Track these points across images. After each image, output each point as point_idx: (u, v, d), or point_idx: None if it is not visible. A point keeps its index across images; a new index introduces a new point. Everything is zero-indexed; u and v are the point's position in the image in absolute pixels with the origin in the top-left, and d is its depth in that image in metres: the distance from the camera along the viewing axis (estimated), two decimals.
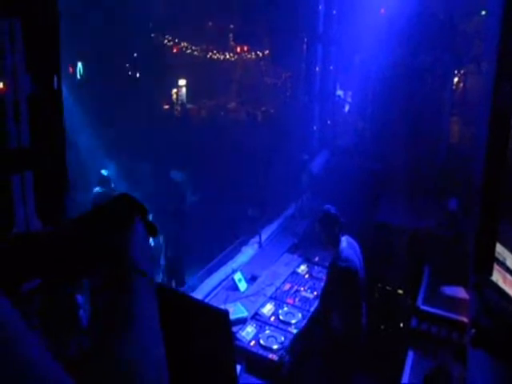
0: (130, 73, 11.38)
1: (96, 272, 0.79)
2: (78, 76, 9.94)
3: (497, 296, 3.90)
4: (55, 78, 2.53)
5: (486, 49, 5.14)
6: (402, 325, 5.16)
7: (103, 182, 6.58)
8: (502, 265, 3.92)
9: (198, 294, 4.37)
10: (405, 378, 3.81)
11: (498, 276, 3.98)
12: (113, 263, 0.76)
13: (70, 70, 9.77)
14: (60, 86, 2.57)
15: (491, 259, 4.09)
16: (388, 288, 5.45)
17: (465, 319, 4.16)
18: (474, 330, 3.75)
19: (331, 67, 8.86)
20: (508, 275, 3.73)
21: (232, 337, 3.54)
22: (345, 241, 4.14)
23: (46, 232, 0.81)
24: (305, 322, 4.22)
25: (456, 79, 8.85)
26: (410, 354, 4.09)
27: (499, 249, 3.95)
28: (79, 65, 10.03)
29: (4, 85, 2.36)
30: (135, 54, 11.89)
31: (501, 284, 3.94)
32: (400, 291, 5.39)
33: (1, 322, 0.54)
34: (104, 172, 6.68)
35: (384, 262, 5.45)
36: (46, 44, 2.42)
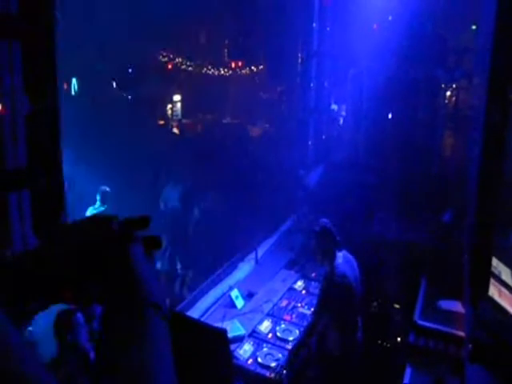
0: (124, 89, 11.44)
1: (103, 299, 0.79)
2: (73, 92, 9.99)
3: (493, 310, 3.92)
4: (52, 98, 2.56)
5: (476, 63, 5.20)
6: (399, 339, 5.16)
7: (104, 198, 6.51)
8: (497, 278, 3.95)
9: (195, 313, 4.36)
10: None
11: (493, 290, 4.00)
12: (124, 295, 0.76)
13: (65, 86, 9.81)
14: (57, 105, 2.60)
15: (487, 273, 4.12)
16: (384, 302, 5.45)
17: (462, 333, 4.17)
18: (470, 345, 3.76)
19: (325, 82, 8.94)
20: (503, 289, 3.75)
21: (231, 355, 3.50)
22: (341, 257, 4.16)
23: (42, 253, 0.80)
24: (300, 337, 4.22)
25: (448, 93, 8.93)
26: (408, 369, 4.09)
27: (493, 262, 3.98)
28: (73, 81, 10.07)
29: (2, 106, 2.38)
30: (130, 70, 11.96)
31: (496, 298, 3.95)
32: (396, 305, 5.40)
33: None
34: (105, 188, 6.59)
35: (380, 277, 5.46)
36: (44, 65, 2.46)
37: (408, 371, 4.06)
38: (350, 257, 4.27)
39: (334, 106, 9.71)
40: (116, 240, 0.82)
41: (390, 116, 8.27)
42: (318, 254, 4.27)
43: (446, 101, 8.85)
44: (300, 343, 4.11)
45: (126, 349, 0.70)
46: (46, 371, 0.59)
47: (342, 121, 9.80)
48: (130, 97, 11.42)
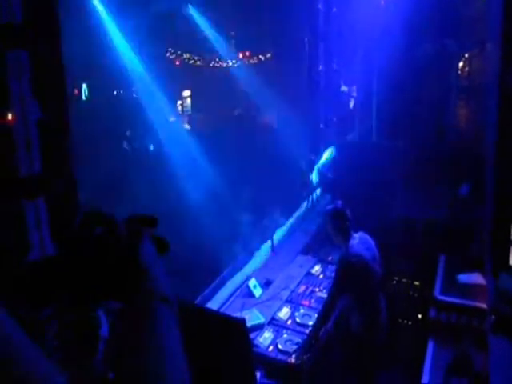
0: (133, 89, 11.54)
1: (116, 297, 0.80)
2: (84, 97, 10.11)
3: None
4: (61, 104, 2.59)
5: (489, 32, 5.09)
6: (420, 316, 5.11)
7: None
8: None
9: (214, 304, 4.38)
10: (426, 369, 3.79)
11: None
12: (133, 290, 0.77)
13: (76, 91, 9.94)
14: (67, 111, 2.63)
15: (508, 244, 4.05)
16: (404, 280, 5.41)
17: (483, 305, 4.12)
18: (493, 316, 3.71)
19: (334, 64, 8.83)
20: None
21: (250, 344, 3.51)
22: (357, 238, 4.12)
23: (60, 259, 0.82)
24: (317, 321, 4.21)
25: (461, 64, 8.74)
26: (431, 345, 4.06)
27: None
28: (84, 86, 10.19)
29: (13, 115, 2.42)
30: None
31: None
32: (416, 283, 5.34)
33: (3, 335, 0.56)
34: None
35: (399, 255, 5.41)
36: (52, 72, 2.48)
37: (430, 347, 4.03)
38: (368, 238, 4.23)
39: (344, 88, 9.59)
40: (124, 237, 0.84)
41: (401, 92, 8.12)
42: (332, 235, 4.23)
43: (459, 71, 8.67)
44: (318, 327, 4.10)
45: (136, 347, 0.71)
46: (57, 372, 0.59)
47: (353, 102, 9.69)
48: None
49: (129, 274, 0.81)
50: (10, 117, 2.49)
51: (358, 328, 4.10)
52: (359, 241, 4.12)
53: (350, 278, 4.00)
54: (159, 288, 0.81)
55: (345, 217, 4.11)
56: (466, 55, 8.98)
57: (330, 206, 4.26)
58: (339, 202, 4.22)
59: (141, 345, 0.72)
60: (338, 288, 4.07)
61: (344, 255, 4.03)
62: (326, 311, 4.07)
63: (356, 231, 4.17)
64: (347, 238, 4.09)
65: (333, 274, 4.80)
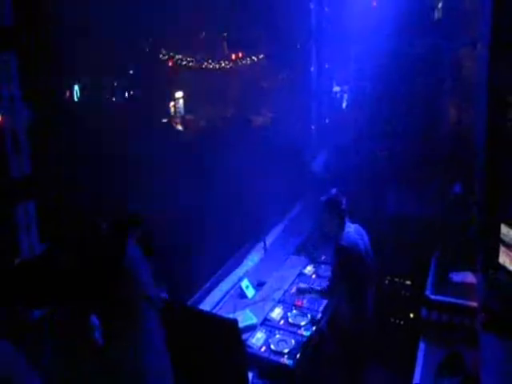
0: (127, 90, 11.53)
1: (100, 297, 0.82)
2: (76, 99, 10.08)
3: (505, 277, 3.89)
4: (52, 106, 2.59)
5: (480, 30, 5.12)
6: (412, 316, 5.14)
7: None
8: (509, 246, 3.91)
9: (206, 305, 4.39)
10: (418, 369, 3.81)
11: (504, 258, 3.97)
12: (120, 291, 0.80)
13: (67, 93, 9.90)
14: (57, 113, 2.63)
15: (497, 242, 4.07)
16: (396, 280, 5.43)
17: (474, 304, 4.14)
18: (483, 314, 3.74)
19: (326, 64, 8.86)
20: None
21: (243, 345, 3.51)
22: (352, 227, 4.17)
23: (45, 261, 0.84)
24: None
25: (453, 63, 8.76)
26: (422, 344, 4.08)
27: (504, 230, 3.94)
28: (76, 88, 10.16)
29: (2, 117, 2.42)
30: (131, 72, 12.02)
31: (508, 265, 3.92)
32: (408, 282, 5.37)
33: (4, 362, 0.57)
34: None
35: (390, 254, 5.43)
36: (42, 75, 2.49)
37: (422, 346, 4.05)
38: (362, 230, 4.27)
39: (337, 88, 9.62)
40: (108, 240, 0.86)
41: (393, 92, 8.14)
42: (327, 224, 4.25)
43: (451, 70, 8.69)
44: (312, 325, 4.14)
45: (118, 343, 0.73)
46: None
47: (345, 102, 9.71)
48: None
49: (112, 274, 0.84)
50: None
51: (346, 321, 4.14)
52: (354, 230, 4.17)
53: (343, 264, 4.04)
54: (143, 288, 0.84)
55: (340, 205, 4.14)
56: (459, 54, 9.02)
57: (324, 196, 4.27)
58: (334, 191, 4.24)
59: (122, 340, 0.74)
60: (338, 276, 4.11)
61: (340, 242, 4.06)
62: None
63: (352, 222, 4.21)
64: (342, 225, 4.13)
65: (326, 274, 4.85)
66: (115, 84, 11.34)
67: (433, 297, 4.38)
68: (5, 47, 2.35)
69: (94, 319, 2.90)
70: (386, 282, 5.46)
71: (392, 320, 5.24)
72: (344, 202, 4.17)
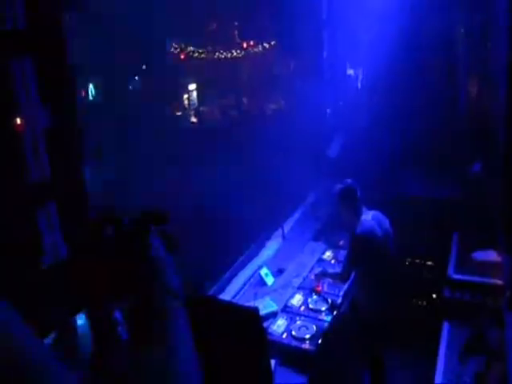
0: (140, 85, 11.61)
1: (128, 294, 0.82)
2: (91, 97, 10.16)
3: None
4: (70, 108, 2.60)
5: (498, 7, 4.99)
6: (434, 296, 5.07)
7: None
8: None
9: (227, 295, 4.39)
10: (442, 349, 3.76)
11: None
12: (145, 287, 0.79)
13: (83, 93, 9.99)
14: (75, 114, 2.64)
15: None
16: (417, 261, 5.36)
17: (499, 282, 4.06)
18: (509, 292, 3.66)
19: (339, 48, 8.74)
20: None
21: (264, 333, 3.52)
22: (370, 214, 4.13)
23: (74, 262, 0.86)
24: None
25: (470, 40, 8.56)
26: (446, 325, 4.03)
27: None
28: (91, 86, 10.24)
29: (21, 122, 2.43)
30: (144, 67, 12.05)
31: None
32: (429, 263, 5.30)
33: (2, 321, 0.56)
34: None
35: (411, 235, 5.36)
36: (58, 77, 2.49)
37: (445, 327, 3.99)
38: (381, 216, 4.23)
39: (351, 71, 9.50)
40: (133, 236, 0.86)
41: (409, 71, 8.00)
42: (343, 214, 4.22)
43: (469, 46, 8.49)
44: (332, 310, 4.13)
45: (149, 345, 0.72)
46: (59, 364, 0.59)
47: (359, 85, 9.59)
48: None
49: (137, 272, 0.83)
50: (18, 123, 2.50)
51: (366, 305, 4.12)
52: (371, 217, 4.13)
53: (363, 252, 4.00)
54: (169, 285, 0.83)
55: (355, 194, 4.11)
56: (476, 30, 8.80)
57: (339, 185, 4.23)
58: (348, 181, 4.20)
59: (153, 342, 0.73)
60: (351, 262, 4.08)
61: (357, 230, 4.03)
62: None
63: (369, 209, 4.17)
64: (358, 214, 4.09)
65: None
66: (128, 80, 11.38)
67: (456, 276, 4.32)
68: (20, 50, 2.35)
69: (118, 314, 2.92)
70: (407, 263, 5.39)
71: (415, 301, 5.18)
72: (358, 191, 4.12)
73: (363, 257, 4.03)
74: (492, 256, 4.47)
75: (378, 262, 4.04)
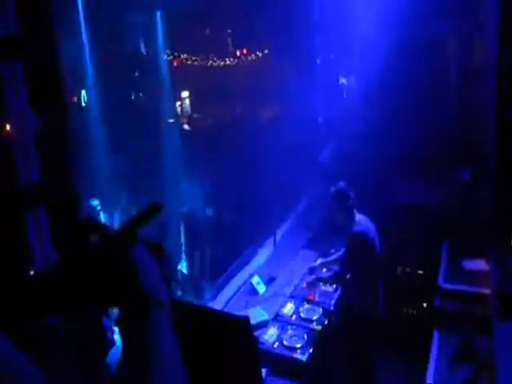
0: (132, 93, 11.61)
1: (111, 302, 0.82)
2: (83, 104, 10.14)
3: None
4: (60, 113, 2.60)
5: (488, 12, 5.04)
6: (425, 305, 5.09)
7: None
8: None
9: (218, 304, 4.40)
10: (432, 358, 3.77)
11: None
12: (132, 296, 0.79)
13: (75, 99, 9.96)
14: (66, 119, 2.64)
15: (510, 227, 4.01)
16: (408, 270, 5.38)
17: (488, 291, 4.09)
18: (497, 302, 3.68)
19: (332, 56, 8.81)
20: None
21: (255, 342, 3.50)
22: (362, 216, 4.18)
23: (56, 270, 0.85)
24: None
25: (459, 46, 8.63)
26: (436, 334, 4.04)
27: None
28: (83, 92, 10.22)
29: (11, 126, 2.43)
30: (136, 74, 12.06)
31: None
32: (420, 271, 5.32)
33: (3, 356, 0.56)
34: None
35: (402, 244, 5.38)
36: (49, 82, 2.49)
37: (436, 336, 4.01)
38: (370, 221, 4.27)
39: (343, 80, 9.55)
40: (113, 244, 0.86)
41: (400, 80, 8.05)
42: (337, 216, 4.26)
43: (460, 52, 8.55)
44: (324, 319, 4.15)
45: (133, 351, 0.73)
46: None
47: (352, 93, 9.64)
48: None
49: (120, 279, 0.84)
50: (7, 128, 2.50)
51: (358, 311, 4.14)
52: (364, 219, 4.18)
53: (360, 250, 4.07)
54: (153, 292, 0.83)
55: (348, 197, 4.15)
56: (466, 37, 8.87)
57: (333, 188, 4.26)
58: (342, 183, 4.24)
59: (137, 349, 0.74)
60: (348, 262, 4.11)
61: (354, 228, 4.10)
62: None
63: (359, 213, 4.23)
64: (352, 216, 4.16)
65: (336, 267, 4.82)
66: (121, 87, 11.36)
67: (446, 285, 4.34)
68: (11, 56, 2.36)
69: (105, 321, 2.91)
70: (398, 272, 5.41)
71: (405, 310, 5.19)
72: (352, 193, 4.17)
73: (360, 255, 4.08)
74: (481, 265, 4.50)
75: (373, 261, 4.10)
